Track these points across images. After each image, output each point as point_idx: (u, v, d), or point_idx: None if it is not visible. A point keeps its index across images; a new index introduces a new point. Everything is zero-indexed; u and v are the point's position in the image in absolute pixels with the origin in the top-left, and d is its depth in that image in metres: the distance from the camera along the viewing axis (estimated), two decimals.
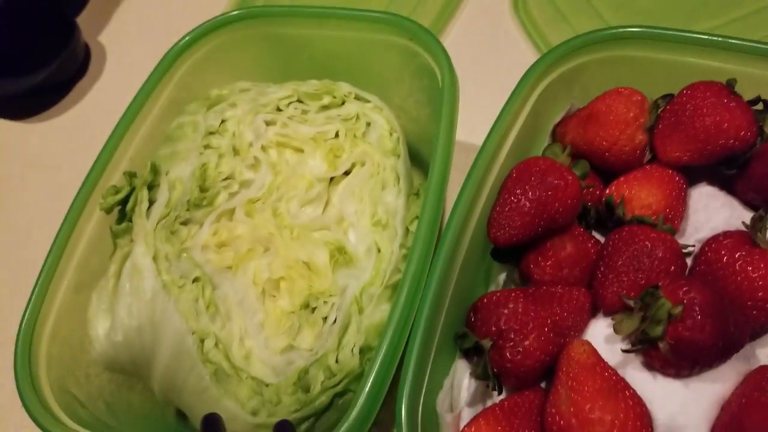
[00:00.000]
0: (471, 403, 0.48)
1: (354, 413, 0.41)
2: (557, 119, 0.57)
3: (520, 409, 0.44)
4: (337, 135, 0.58)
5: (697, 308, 0.40)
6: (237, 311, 0.50)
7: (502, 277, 0.54)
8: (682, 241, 0.50)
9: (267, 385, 0.48)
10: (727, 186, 0.51)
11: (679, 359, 0.41)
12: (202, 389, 0.47)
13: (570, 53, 0.53)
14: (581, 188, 0.49)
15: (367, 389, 0.42)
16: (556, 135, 0.57)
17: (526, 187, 0.48)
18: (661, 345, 0.41)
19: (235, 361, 0.48)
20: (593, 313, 0.48)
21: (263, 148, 0.57)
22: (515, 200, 0.48)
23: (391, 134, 0.59)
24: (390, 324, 0.44)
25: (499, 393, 0.47)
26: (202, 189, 0.53)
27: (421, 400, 0.43)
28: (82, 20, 0.96)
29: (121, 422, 0.51)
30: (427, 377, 0.44)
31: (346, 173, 0.57)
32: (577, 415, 0.40)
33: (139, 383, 0.54)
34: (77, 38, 0.87)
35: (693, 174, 0.52)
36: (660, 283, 0.43)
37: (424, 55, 0.57)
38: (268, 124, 0.58)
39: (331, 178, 0.58)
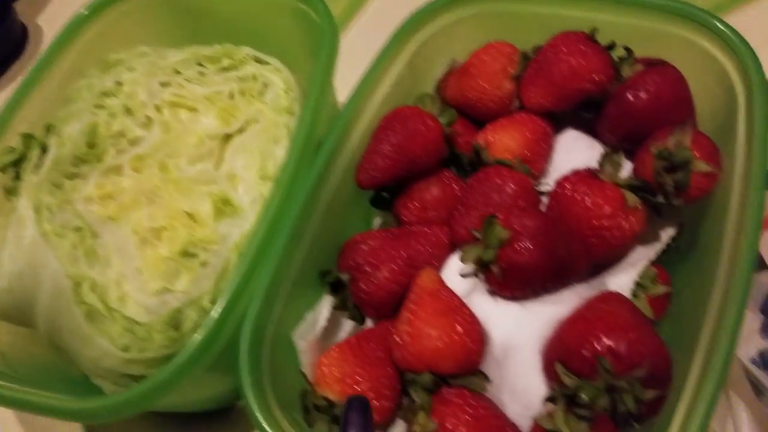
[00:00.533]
0: (333, 336, 0.53)
1: (197, 337, 0.46)
2: (439, 75, 0.62)
3: (374, 336, 0.49)
4: (232, 95, 0.64)
5: (524, 233, 0.45)
6: (116, 257, 0.55)
7: (377, 221, 0.59)
8: (546, 179, 0.55)
9: (139, 324, 0.53)
10: (592, 130, 0.56)
11: (510, 281, 0.46)
12: (76, 328, 0.52)
13: (441, 9, 0.59)
14: (444, 133, 0.54)
15: (217, 315, 0.47)
16: (440, 91, 0.62)
17: (390, 132, 0.53)
18: (493, 268, 0.46)
19: (111, 302, 0.53)
20: (455, 249, 0.53)
21: (156, 108, 0.62)
22: (379, 145, 0.53)
23: (287, 93, 0.65)
24: (246, 254, 0.49)
25: (360, 323, 0.52)
26: (90, 145, 0.59)
27: (270, 330, 0.48)
28: (22, 2, 1.03)
29: (20, 374, 0.57)
30: (277, 309, 0.48)
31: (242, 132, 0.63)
32: (410, 333, 0.45)
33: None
34: (12, 20, 0.94)
35: (562, 121, 0.58)
36: (499, 213, 0.48)
37: (311, 15, 0.63)
38: (163, 85, 0.64)
39: (228, 137, 0.64)
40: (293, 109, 0.63)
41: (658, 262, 0.51)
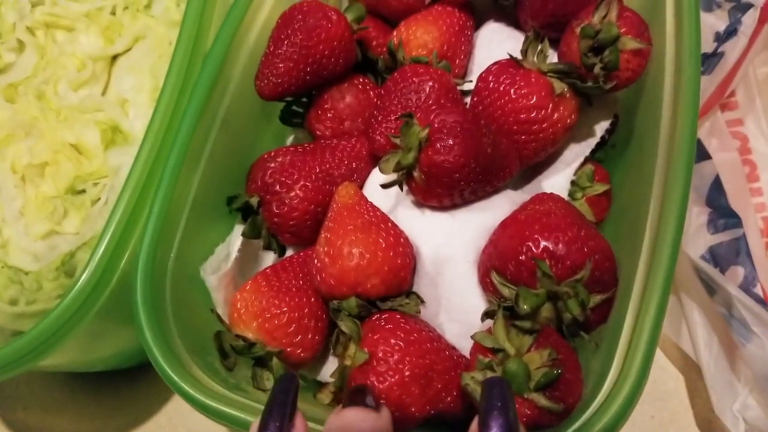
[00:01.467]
0: (247, 270, 0.46)
1: (84, 276, 0.39)
2: None
3: (293, 264, 0.43)
4: (114, 11, 0.55)
5: (444, 130, 0.39)
6: None
7: (290, 139, 0.52)
8: (468, 78, 0.49)
9: (26, 273, 0.45)
10: (514, 20, 0.50)
11: (434, 185, 0.39)
12: None
13: None
14: (350, 29, 0.46)
15: (100, 251, 0.40)
16: None
17: (288, 31, 0.45)
18: (415, 174, 0.40)
19: None
20: (376, 162, 0.47)
21: (28, 30, 0.53)
22: (278, 47, 0.46)
23: (178, 5, 0.56)
24: (132, 181, 0.42)
25: (279, 253, 0.46)
26: None
27: (170, 264, 0.41)
28: None
29: None
30: (177, 242, 0.41)
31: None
32: (329, 253, 0.38)
33: None
34: None
35: (481, 12, 0.51)
36: (417, 113, 0.41)
37: None
38: (34, 4, 0.54)
39: (114, 58, 0.55)
40: None
41: (594, 158, 0.46)
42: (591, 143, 0.45)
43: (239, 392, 0.38)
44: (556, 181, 0.44)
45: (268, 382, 0.39)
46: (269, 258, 0.47)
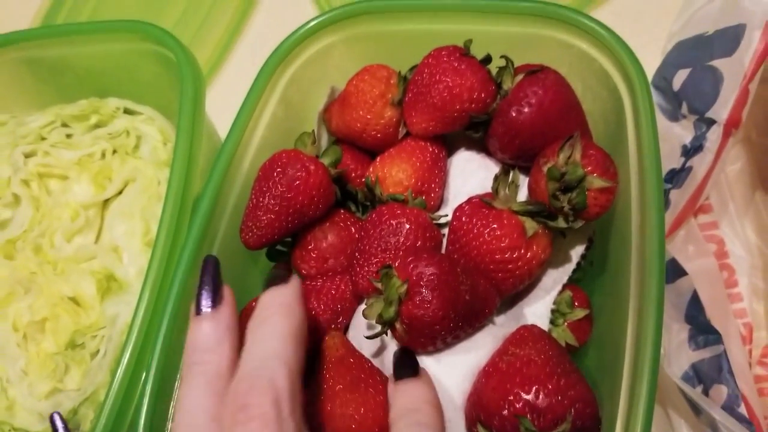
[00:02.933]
0: None
1: None
2: (321, 107, 0.55)
3: None
4: (104, 155, 0.56)
5: (422, 283, 0.39)
6: None
7: None
8: (445, 210, 0.49)
9: None
10: (485, 148, 0.50)
11: (417, 336, 0.40)
12: None
13: (308, 37, 0.51)
14: (328, 175, 0.47)
15: (108, 413, 0.40)
16: (325, 122, 0.55)
17: (270, 183, 0.46)
18: (397, 326, 0.40)
19: None
20: (360, 301, 0.47)
21: (24, 183, 0.54)
22: (260, 199, 0.46)
23: (165, 144, 0.57)
24: (128, 342, 0.42)
25: None
26: None
27: (170, 424, 0.41)
28: None
29: None
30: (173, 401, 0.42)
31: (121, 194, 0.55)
32: (322, 412, 0.39)
33: None
34: None
35: (453, 141, 0.51)
36: (395, 262, 0.41)
37: (171, 57, 0.54)
38: (27, 156, 0.55)
39: (106, 202, 0.55)
40: None
41: (574, 282, 0.46)
42: (568, 269, 0.45)
43: None
44: (537, 308, 0.45)
45: None
46: None
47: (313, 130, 0.51)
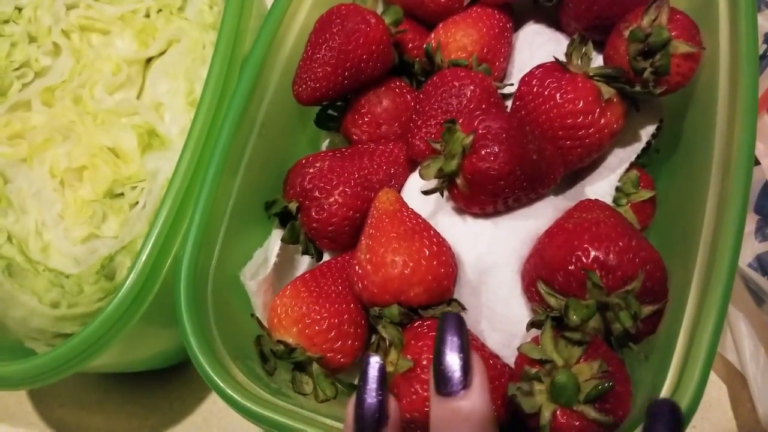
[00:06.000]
0: (289, 275, 0.45)
1: (125, 288, 0.38)
2: None
3: (332, 269, 0.41)
4: (148, 13, 0.54)
5: (489, 136, 0.37)
6: (32, 204, 0.46)
7: (326, 144, 0.50)
8: (509, 82, 0.47)
9: (67, 276, 0.44)
10: (555, 22, 0.48)
11: (478, 193, 0.38)
12: None
13: None
14: (388, 32, 0.44)
15: (144, 257, 0.39)
16: None
17: (327, 35, 0.44)
18: (458, 181, 0.38)
19: (32, 254, 0.44)
20: (414, 167, 0.45)
21: (64, 33, 0.52)
22: (316, 52, 0.44)
23: (211, 7, 0.54)
24: (174, 187, 0.40)
25: (317, 258, 0.44)
26: None
27: (212, 270, 0.40)
28: None
29: None
30: (218, 247, 0.40)
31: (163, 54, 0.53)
32: (371, 261, 0.37)
33: None
34: None
35: (521, 14, 0.49)
36: (459, 118, 0.39)
37: None
38: (69, 7, 0.53)
39: (149, 61, 0.54)
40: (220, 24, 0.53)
41: (638, 164, 0.44)
42: (636, 148, 0.43)
43: (280, 396, 0.37)
44: (600, 187, 0.43)
45: (307, 387, 0.38)
46: (306, 262, 0.46)
47: None
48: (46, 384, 0.40)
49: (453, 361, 0.26)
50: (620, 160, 0.43)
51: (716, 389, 0.47)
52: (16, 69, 0.50)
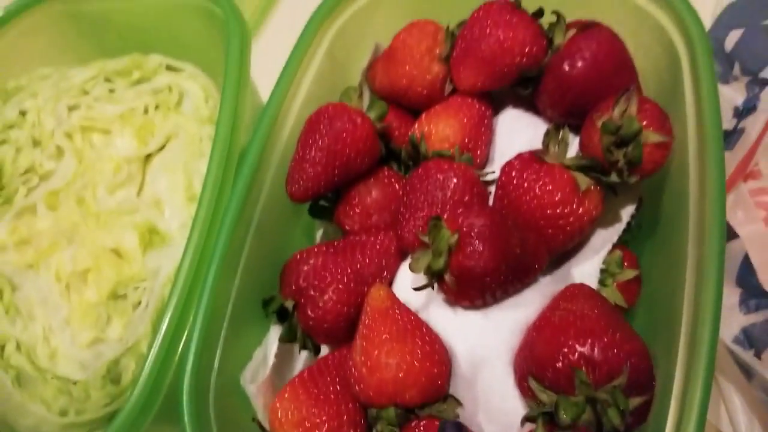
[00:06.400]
0: (288, 371, 0.45)
1: (133, 397, 0.38)
2: (365, 64, 0.54)
3: (329, 367, 0.41)
4: (146, 110, 0.55)
5: (473, 234, 0.38)
6: (40, 310, 0.46)
7: (320, 233, 0.51)
8: (491, 168, 0.48)
9: (74, 383, 0.44)
10: (533, 106, 0.49)
11: (466, 288, 0.39)
12: (6, 397, 0.43)
13: None
14: (374, 128, 0.45)
15: (146, 373, 0.39)
16: (368, 80, 0.54)
17: (316, 136, 0.45)
18: (446, 277, 0.39)
19: (40, 362, 0.45)
20: (405, 256, 0.46)
21: (67, 135, 0.53)
22: (307, 152, 0.45)
23: (207, 101, 0.56)
24: (177, 288, 0.41)
25: (314, 353, 0.44)
26: None
27: (214, 375, 0.40)
28: None
29: None
30: (219, 349, 0.41)
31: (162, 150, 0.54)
32: (366, 363, 0.37)
33: None
34: None
35: (500, 99, 0.50)
36: (444, 214, 0.40)
37: (216, 11, 0.53)
38: (71, 109, 0.54)
39: (148, 157, 0.54)
40: (216, 117, 0.54)
41: (621, 241, 0.44)
42: (618, 229, 0.43)
43: None
44: (586, 268, 0.43)
45: None
46: (304, 356, 0.46)
47: (359, 85, 0.49)
48: None
49: None
50: (603, 241, 0.43)
51: None
52: (22, 174, 0.51)
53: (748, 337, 0.43)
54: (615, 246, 0.44)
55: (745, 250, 0.45)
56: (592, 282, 0.42)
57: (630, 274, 0.43)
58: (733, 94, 0.50)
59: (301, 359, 0.46)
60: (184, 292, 0.42)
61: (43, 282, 0.48)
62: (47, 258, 0.48)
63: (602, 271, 0.43)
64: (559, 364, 0.34)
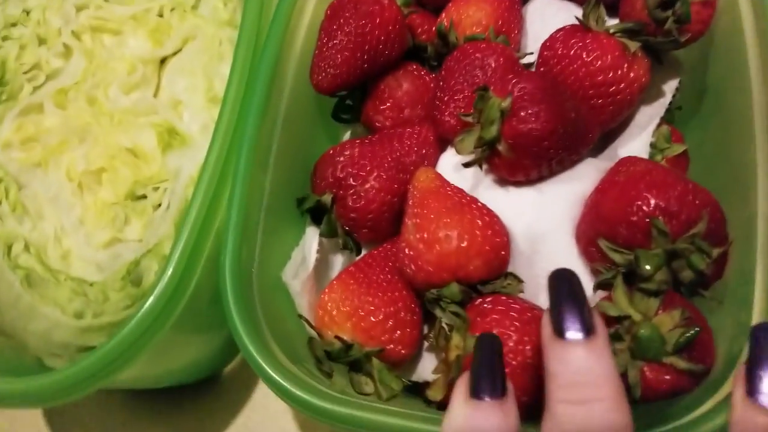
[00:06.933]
0: (329, 272, 0.41)
1: (152, 298, 0.34)
2: None
3: (376, 260, 0.37)
4: (161, 12, 0.50)
5: (526, 97, 0.34)
6: (50, 210, 0.41)
7: (347, 135, 0.47)
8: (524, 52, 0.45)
9: (91, 284, 0.40)
10: None
11: (522, 157, 0.35)
12: (15, 299, 0.38)
13: None
14: (402, 13, 0.41)
15: (175, 259, 0.35)
16: None
17: (341, 21, 0.40)
18: (500, 147, 0.35)
19: (51, 262, 0.40)
20: (443, 147, 0.42)
21: (74, 34, 0.48)
22: (332, 38, 0.41)
23: (226, 4, 0.51)
24: (202, 186, 0.37)
25: (356, 252, 0.40)
26: (1, 83, 0.45)
27: (255, 268, 0.36)
28: None
29: None
30: (257, 246, 0.37)
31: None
32: (423, 239, 0.33)
33: None
34: None
35: None
36: (490, 85, 0.36)
37: None
38: (79, 9, 0.49)
39: (163, 60, 0.50)
40: (236, 20, 0.50)
41: (665, 119, 0.41)
42: (664, 103, 0.40)
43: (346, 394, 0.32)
44: (634, 146, 0.40)
45: (368, 387, 0.34)
46: (340, 262, 0.42)
47: None
48: (68, 401, 0.35)
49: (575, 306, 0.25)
50: (649, 117, 0.40)
51: None
52: (26, 72, 0.46)
53: None
54: (661, 122, 0.41)
55: None
56: (643, 156, 0.39)
57: (679, 148, 0.40)
58: None
59: (340, 262, 0.41)
60: (209, 192, 0.38)
61: (52, 181, 0.42)
62: (57, 156, 0.43)
63: (651, 146, 0.40)
64: (635, 218, 0.31)
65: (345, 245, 0.39)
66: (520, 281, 0.34)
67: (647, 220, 0.31)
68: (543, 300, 0.34)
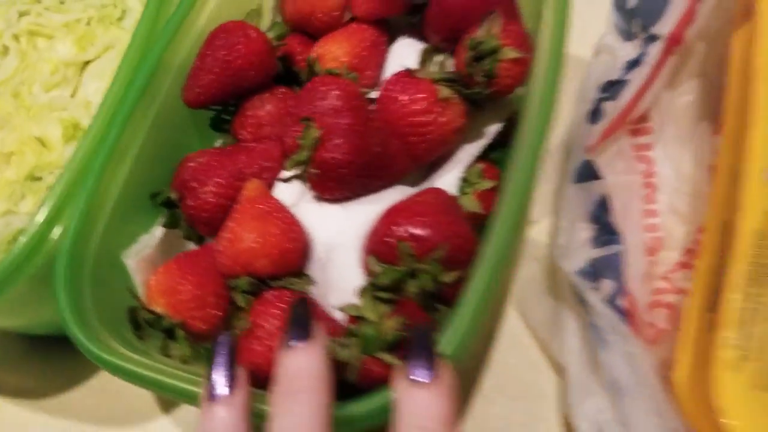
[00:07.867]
0: (171, 254, 0.45)
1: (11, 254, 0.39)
2: None
3: (205, 252, 0.41)
4: (89, 22, 0.55)
5: (335, 131, 0.38)
6: None
7: (218, 143, 0.51)
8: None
9: None
10: (423, 35, 0.48)
11: (326, 179, 0.38)
12: None
13: None
14: (269, 45, 0.45)
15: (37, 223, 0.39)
16: (280, 8, 0.53)
17: (213, 47, 0.44)
18: (311, 170, 0.39)
19: None
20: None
21: (14, 37, 0.53)
22: (203, 61, 0.45)
23: None
24: (68, 165, 0.41)
25: (198, 243, 0.44)
26: None
27: (94, 249, 0.40)
28: None
29: None
30: (100, 227, 0.41)
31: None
32: (229, 239, 0.37)
33: None
34: None
35: (396, 28, 0.49)
36: (314, 116, 0.40)
37: None
38: (21, 14, 0.54)
39: (86, 65, 0.55)
40: None
41: (490, 158, 0.44)
42: (481, 144, 0.43)
43: (148, 357, 0.37)
44: (448, 179, 0.43)
45: (175, 351, 0.38)
46: (187, 246, 0.46)
47: (270, 9, 0.49)
48: None
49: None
50: (466, 154, 0.43)
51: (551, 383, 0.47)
52: None
53: (595, 268, 0.42)
54: (481, 160, 0.44)
55: (604, 192, 0.45)
56: (452, 189, 0.42)
57: (488, 184, 0.42)
58: (630, 51, 0.49)
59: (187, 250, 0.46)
60: (79, 167, 0.42)
61: None
62: None
63: (464, 180, 0.43)
64: (388, 239, 0.35)
65: (187, 236, 0.43)
66: (310, 282, 0.38)
67: (397, 242, 0.34)
68: (331, 300, 0.38)
